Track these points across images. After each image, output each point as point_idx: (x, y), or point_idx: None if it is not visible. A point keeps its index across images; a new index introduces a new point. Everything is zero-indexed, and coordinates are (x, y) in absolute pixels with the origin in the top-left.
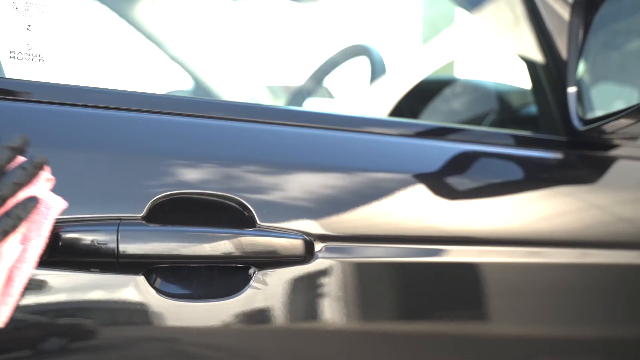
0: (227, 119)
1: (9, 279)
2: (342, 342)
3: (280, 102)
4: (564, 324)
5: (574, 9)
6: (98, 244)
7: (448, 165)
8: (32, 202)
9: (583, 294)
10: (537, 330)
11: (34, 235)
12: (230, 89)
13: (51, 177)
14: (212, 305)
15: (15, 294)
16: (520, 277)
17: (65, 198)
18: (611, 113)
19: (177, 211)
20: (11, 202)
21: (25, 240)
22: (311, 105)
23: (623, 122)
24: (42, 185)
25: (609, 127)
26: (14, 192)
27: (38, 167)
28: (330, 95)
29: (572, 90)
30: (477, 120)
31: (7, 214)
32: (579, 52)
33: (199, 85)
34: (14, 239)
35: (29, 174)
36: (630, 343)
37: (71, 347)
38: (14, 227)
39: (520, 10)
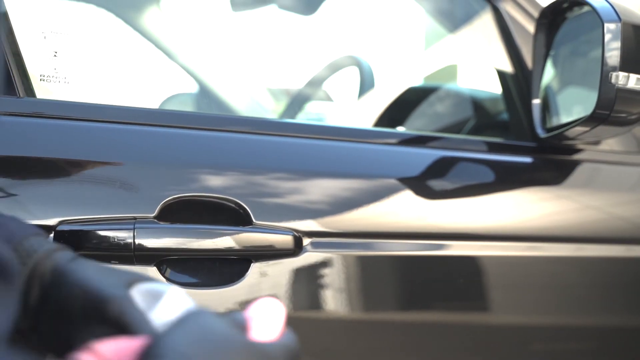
0: (228, 131)
1: None
2: (329, 326)
3: (280, 104)
4: (560, 312)
5: (537, 28)
6: (117, 239)
7: (427, 170)
8: None
9: (575, 285)
10: (535, 318)
11: None
12: (233, 91)
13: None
14: (215, 292)
15: None
16: (500, 271)
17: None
18: (569, 122)
19: (185, 211)
20: None
21: None
22: (308, 108)
23: (579, 129)
24: None
25: (570, 133)
26: None
27: None
28: (329, 99)
29: (536, 101)
30: (459, 125)
31: None
32: (543, 67)
33: (203, 89)
34: None
35: None
36: (622, 330)
37: None
38: None
39: (493, 28)
